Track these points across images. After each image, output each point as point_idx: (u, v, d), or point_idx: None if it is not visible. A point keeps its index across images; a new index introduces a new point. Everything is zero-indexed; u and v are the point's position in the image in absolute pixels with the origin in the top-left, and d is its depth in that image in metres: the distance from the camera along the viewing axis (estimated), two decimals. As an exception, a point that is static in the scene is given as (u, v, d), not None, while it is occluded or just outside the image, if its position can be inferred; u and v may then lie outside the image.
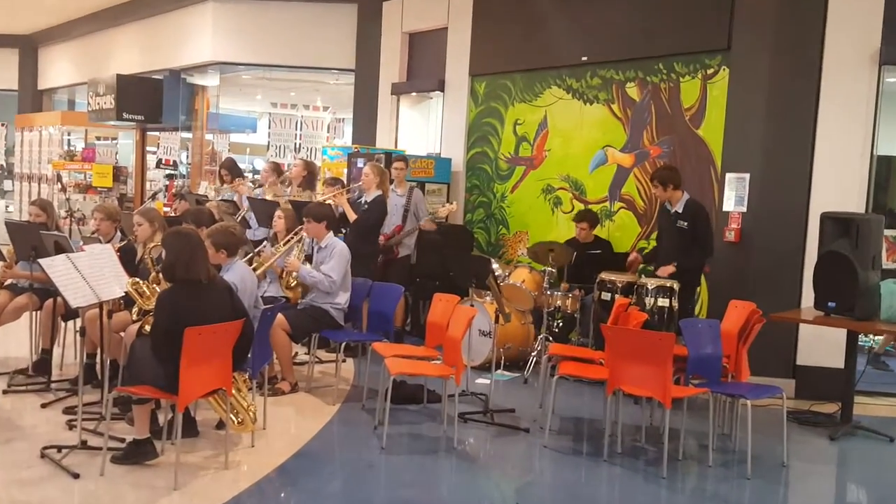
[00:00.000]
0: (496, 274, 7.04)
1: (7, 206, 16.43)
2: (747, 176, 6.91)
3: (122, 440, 4.79)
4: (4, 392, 5.88)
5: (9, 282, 6.65)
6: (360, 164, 8.62)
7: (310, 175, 8.48)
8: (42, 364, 6.24)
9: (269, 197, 8.33)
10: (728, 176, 7.03)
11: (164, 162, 13.48)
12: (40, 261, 4.73)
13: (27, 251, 5.90)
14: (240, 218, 7.92)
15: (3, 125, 17.22)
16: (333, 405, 6.06)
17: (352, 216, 7.65)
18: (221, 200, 8.34)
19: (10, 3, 13.77)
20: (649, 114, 7.74)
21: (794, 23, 6.80)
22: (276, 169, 8.93)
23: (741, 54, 7.00)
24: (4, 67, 16.99)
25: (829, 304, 5.88)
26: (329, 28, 11.25)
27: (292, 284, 6.72)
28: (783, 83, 6.82)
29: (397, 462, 5.05)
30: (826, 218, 5.98)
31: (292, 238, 6.66)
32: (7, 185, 17.37)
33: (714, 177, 7.23)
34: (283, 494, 4.52)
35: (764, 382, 5.76)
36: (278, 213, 6.91)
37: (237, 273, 5.30)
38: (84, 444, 4.72)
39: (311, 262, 6.63)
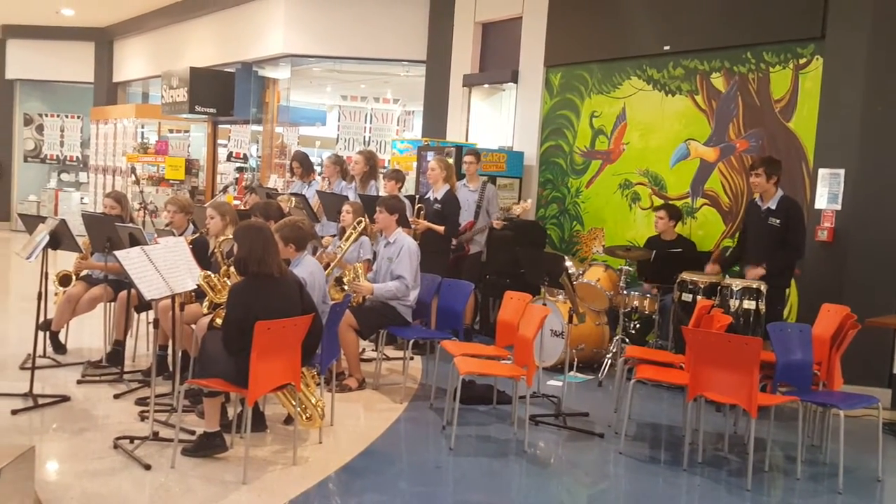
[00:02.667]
0: (570, 272, 6.88)
1: (82, 198, 16.84)
2: (842, 172, 6.61)
3: (193, 432, 4.81)
4: (78, 382, 5.97)
5: (84, 273, 6.76)
6: (429, 158, 8.52)
7: (371, 169, 8.40)
8: (115, 355, 6.31)
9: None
10: (821, 172, 6.73)
11: (234, 155, 13.60)
12: (115, 253, 4.74)
13: (102, 243, 5.97)
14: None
15: (78, 118, 17.66)
16: (401, 403, 5.99)
17: (440, 230, 7.60)
18: (291, 194, 8.32)
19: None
20: (736, 106, 7.44)
21: (893, 8, 6.44)
22: (339, 161, 8.88)
23: (836, 43, 6.68)
24: (80, 60, 17.39)
25: (931, 309, 5.55)
26: (400, 19, 11.19)
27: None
28: (882, 73, 6.48)
29: (465, 464, 4.93)
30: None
31: (352, 231, 6.57)
32: (82, 177, 17.80)
33: (805, 173, 6.92)
34: (350, 492, 4.43)
35: (858, 392, 5.50)
36: (346, 207, 6.83)
37: (306, 268, 5.27)
38: (156, 436, 4.75)
39: (374, 261, 6.57)
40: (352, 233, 6.61)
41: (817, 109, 6.81)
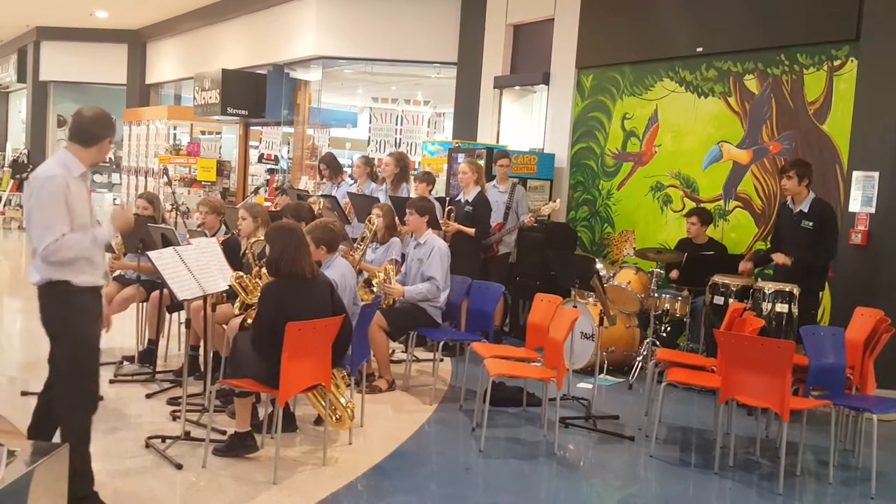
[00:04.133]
0: (600, 274, 6.84)
1: (115, 199, 17.04)
2: (876, 175, 6.51)
3: (224, 432, 4.84)
4: (111, 382, 6.01)
5: (117, 273, 6.82)
6: (459, 160, 8.52)
7: (402, 171, 8.42)
8: (147, 354, 6.37)
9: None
10: (855, 174, 6.63)
11: (265, 156, 13.70)
12: (149, 253, 4.78)
13: (135, 243, 6.02)
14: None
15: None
16: (430, 405, 5.99)
17: (470, 232, 7.60)
18: (321, 196, 8.36)
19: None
20: (769, 108, 7.36)
21: (930, 10, 6.36)
22: (369, 163, 8.91)
23: (872, 45, 6.58)
24: (114, 62, 17.59)
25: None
26: (432, 21, 11.20)
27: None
28: (917, 76, 6.38)
29: (495, 466, 4.92)
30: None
31: (366, 232, 6.58)
32: (115, 177, 17.99)
33: (840, 175, 6.83)
34: (379, 494, 4.44)
35: (891, 396, 5.47)
36: (375, 210, 6.85)
37: (337, 270, 5.29)
38: (187, 436, 4.79)
39: (403, 261, 6.57)
40: (366, 234, 6.63)
41: (851, 112, 6.72)
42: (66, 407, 3.89)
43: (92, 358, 3.94)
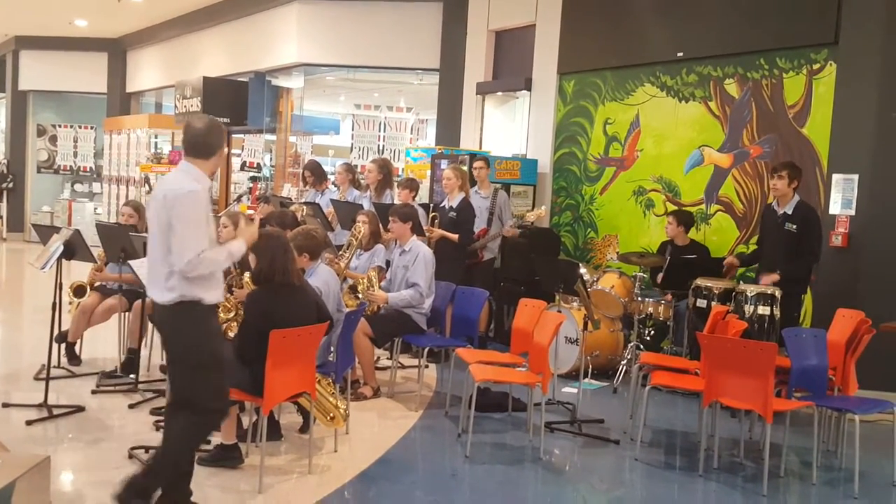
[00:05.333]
0: (584, 279, 6.86)
1: (96, 209, 16.90)
2: (856, 177, 6.58)
3: (208, 442, 4.77)
4: (93, 392, 5.98)
5: (98, 283, 6.76)
6: (443, 166, 8.52)
7: (386, 178, 8.41)
8: (130, 364, 6.32)
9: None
10: (835, 177, 6.70)
11: (248, 164, 13.64)
12: (130, 262, 4.75)
13: (117, 253, 5.98)
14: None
15: (91, 128, 17.74)
16: (416, 411, 5.98)
17: (454, 238, 7.60)
18: (304, 203, 8.33)
19: (99, 7, 14.16)
20: (749, 112, 7.41)
21: (907, 14, 6.42)
22: (351, 170, 8.89)
23: (850, 48, 6.65)
24: (94, 71, 17.44)
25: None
26: (414, 28, 11.20)
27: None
28: (895, 79, 6.43)
29: (481, 471, 4.93)
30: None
31: (352, 239, 6.58)
32: (96, 187, 17.86)
33: (820, 178, 6.88)
34: (365, 501, 4.44)
35: (873, 396, 5.49)
36: (361, 217, 6.83)
37: (321, 277, 5.27)
38: (170, 446, 4.72)
39: (388, 268, 6.56)
40: (352, 241, 6.62)
41: (831, 115, 6.78)
42: (183, 429, 3.85)
43: (221, 377, 3.90)
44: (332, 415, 4.93)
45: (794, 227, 6.23)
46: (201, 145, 3.81)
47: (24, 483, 2.98)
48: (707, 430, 5.20)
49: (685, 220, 7.43)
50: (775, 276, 6.17)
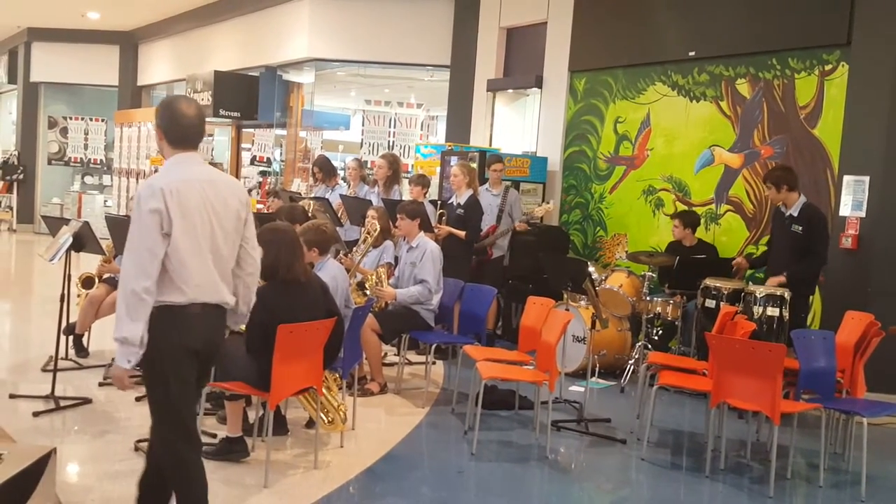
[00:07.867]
0: (593, 277, 6.84)
1: (105, 201, 16.95)
2: (867, 179, 6.55)
3: (214, 436, 4.82)
4: (100, 385, 5.99)
5: (107, 276, 6.78)
6: (452, 163, 8.52)
7: (394, 173, 8.41)
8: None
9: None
10: (846, 179, 6.67)
11: (258, 159, 13.66)
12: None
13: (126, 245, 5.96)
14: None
15: (102, 121, 17.79)
16: (423, 408, 5.97)
17: (461, 234, 7.60)
18: (313, 198, 8.35)
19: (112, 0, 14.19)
20: (761, 112, 7.38)
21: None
22: (362, 165, 8.91)
23: (862, 50, 6.61)
24: (106, 64, 17.47)
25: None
26: (425, 24, 11.20)
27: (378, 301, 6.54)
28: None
29: (487, 469, 4.92)
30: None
31: (367, 236, 6.57)
32: (106, 180, 17.92)
33: (830, 179, 6.85)
34: (371, 497, 4.43)
35: (882, 399, 5.46)
36: (371, 212, 6.84)
37: (329, 272, 5.25)
38: (176, 439, 4.72)
39: (396, 265, 6.55)
40: (367, 237, 6.61)
41: (842, 116, 6.75)
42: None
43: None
44: (331, 417, 4.92)
45: (800, 228, 6.20)
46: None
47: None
48: (714, 430, 5.20)
49: (690, 221, 7.42)
50: (781, 278, 6.15)
